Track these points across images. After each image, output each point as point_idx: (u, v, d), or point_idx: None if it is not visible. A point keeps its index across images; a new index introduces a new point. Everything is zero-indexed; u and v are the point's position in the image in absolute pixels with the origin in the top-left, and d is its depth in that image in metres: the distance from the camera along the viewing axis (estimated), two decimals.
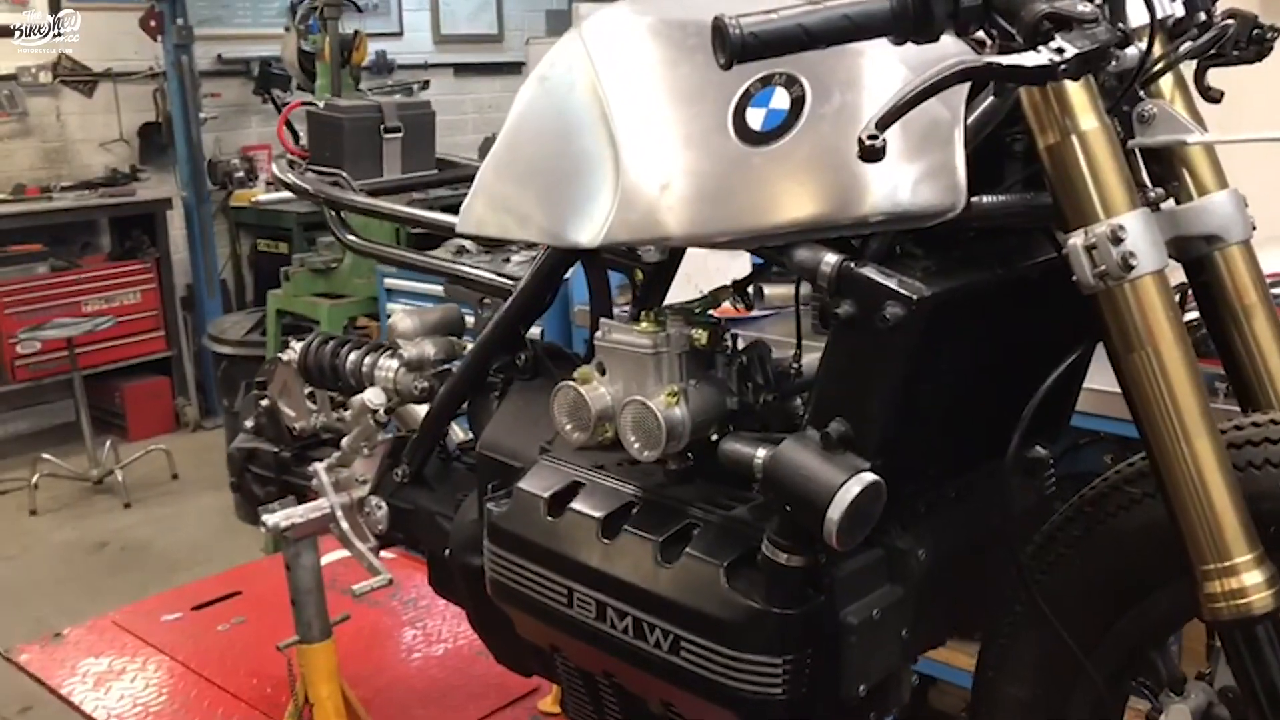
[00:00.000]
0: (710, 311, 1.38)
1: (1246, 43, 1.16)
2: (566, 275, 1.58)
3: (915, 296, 1.08)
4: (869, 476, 1.11)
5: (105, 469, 5.00)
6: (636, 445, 1.29)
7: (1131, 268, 1.01)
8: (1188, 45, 1.13)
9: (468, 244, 2.71)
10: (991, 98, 1.11)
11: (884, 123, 0.87)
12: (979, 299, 1.16)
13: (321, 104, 1.96)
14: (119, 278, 5.52)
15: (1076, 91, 1.02)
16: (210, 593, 2.68)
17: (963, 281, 1.13)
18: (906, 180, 1.07)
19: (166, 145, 5.85)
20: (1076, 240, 1.03)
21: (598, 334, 1.36)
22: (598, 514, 1.35)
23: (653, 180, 1.18)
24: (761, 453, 1.20)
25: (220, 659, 2.39)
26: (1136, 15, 1.07)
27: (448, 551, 1.64)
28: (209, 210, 5.83)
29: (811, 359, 1.42)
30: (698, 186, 1.16)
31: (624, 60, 1.26)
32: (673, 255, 1.40)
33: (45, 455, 4.93)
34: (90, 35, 5.60)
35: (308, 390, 1.91)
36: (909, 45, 0.96)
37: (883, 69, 1.12)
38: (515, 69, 7.47)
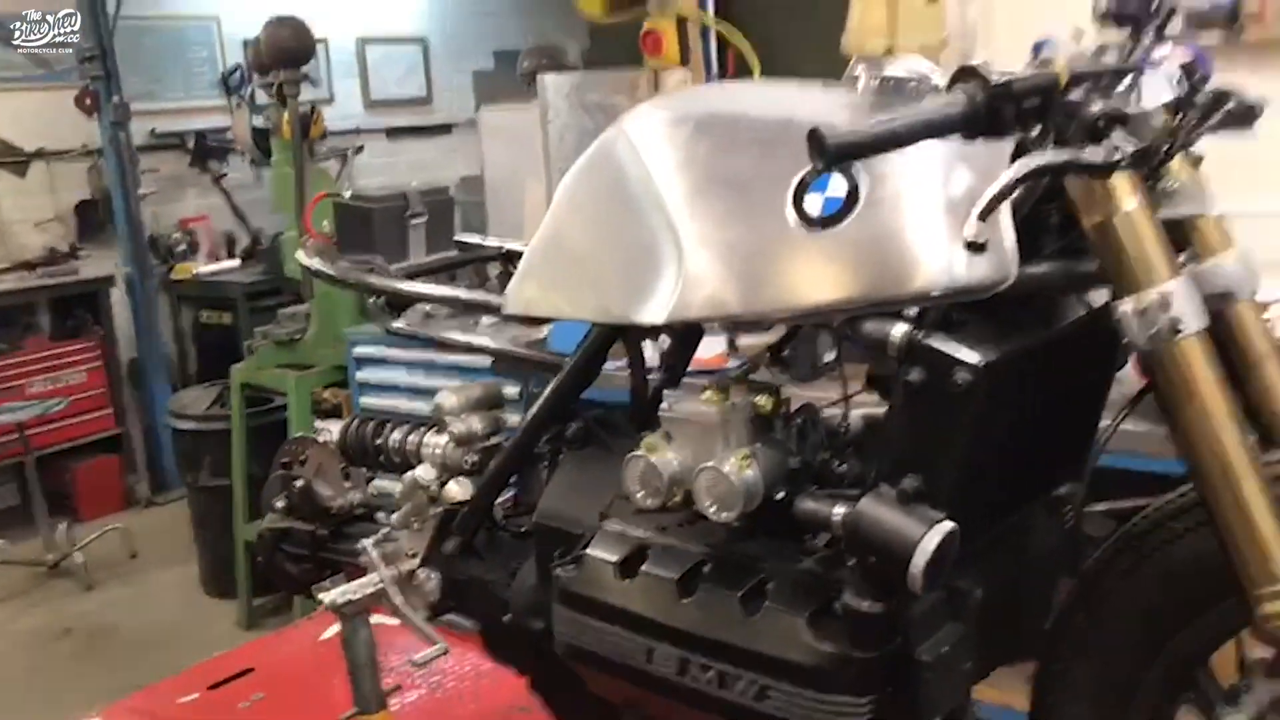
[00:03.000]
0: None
1: (1239, 115, 1.30)
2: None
3: (982, 363, 1.19)
4: (947, 525, 1.22)
5: (61, 552, 4.92)
6: (713, 509, 1.38)
7: (1179, 330, 1.13)
8: (1195, 123, 1.26)
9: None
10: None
11: (984, 215, 0.99)
12: (1029, 359, 1.29)
13: (347, 195, 2.03)
14: (64, 357, 5.47)
15: (1120, 178, 1.14)
16: (220, 671, 2.68)
17: (1018, 345, 1.25)
18: (961, 256, 1.19)
19: (104, 222, 5.81)
20: (1128, 307, 1.15)
21: (663, 405, 1.46)
22: (672, 575, 1.44)
23: (716, 261, 1.29)
24: (839, 510, 1.30)
25: None
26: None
27: (506, 617, 1.71)
28: (153, 285, 5.80)
29: (854, 417, 1.53)
30: (762, 266, 1.27)
31: (673, 152, 1.37)
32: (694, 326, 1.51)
33: None
34: (21, 115, 5.58)
35: (342, 468, 1.97)
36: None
37: (924, 155, 1.24)
38: (446, 130, 7.59)
